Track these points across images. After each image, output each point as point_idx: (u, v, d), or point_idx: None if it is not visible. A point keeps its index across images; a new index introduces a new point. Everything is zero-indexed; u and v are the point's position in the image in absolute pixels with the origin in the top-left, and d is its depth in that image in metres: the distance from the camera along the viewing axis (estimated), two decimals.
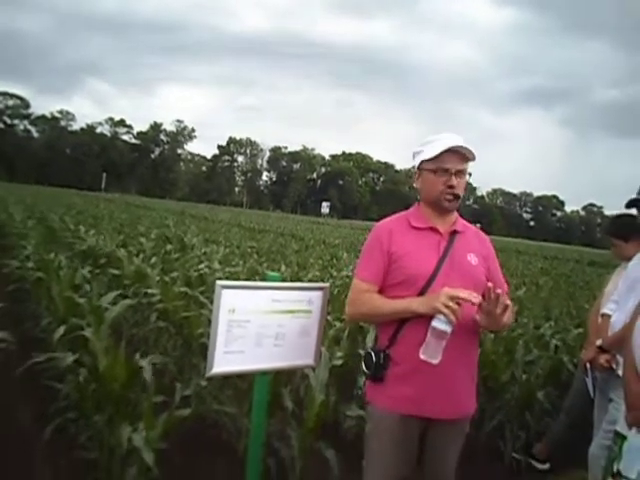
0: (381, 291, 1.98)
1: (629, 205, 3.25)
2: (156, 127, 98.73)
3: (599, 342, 2.77)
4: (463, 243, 1.98)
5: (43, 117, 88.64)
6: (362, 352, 2.54)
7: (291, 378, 3.41)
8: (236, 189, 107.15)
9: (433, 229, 1.98)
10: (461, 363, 1.91)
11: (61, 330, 3.25)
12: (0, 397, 3.24)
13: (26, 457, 2.91)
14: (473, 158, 1.94)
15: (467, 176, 1.96)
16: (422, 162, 1.96)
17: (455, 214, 2.04)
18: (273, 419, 2.96)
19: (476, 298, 1.75)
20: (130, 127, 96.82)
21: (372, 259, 1.99)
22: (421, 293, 1.87)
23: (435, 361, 1.76)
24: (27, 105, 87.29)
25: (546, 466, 3.45)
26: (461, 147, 1.89)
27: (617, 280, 2.99)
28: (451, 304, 1.72)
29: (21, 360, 3.62)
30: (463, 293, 1.74)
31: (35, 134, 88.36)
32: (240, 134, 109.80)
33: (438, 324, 1.73)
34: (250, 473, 2.05)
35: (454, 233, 1.98)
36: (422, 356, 1.77)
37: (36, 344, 4.32)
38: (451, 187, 1.90)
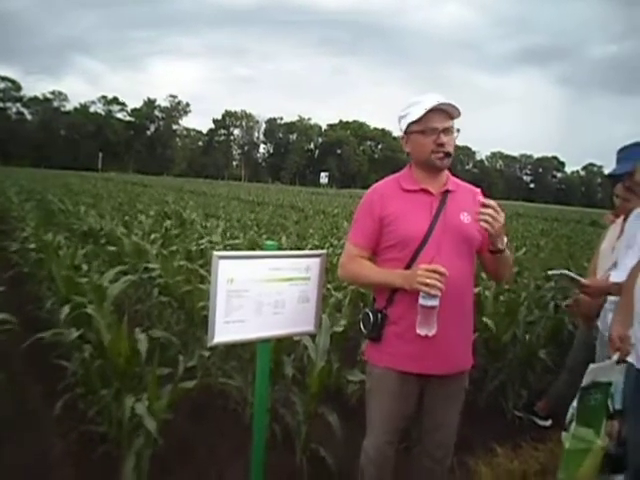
0: (376, 253, 2.02)
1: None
2: (150, 103, 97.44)
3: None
4: (455, 202, 1.98)
5: (35, 98, 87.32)
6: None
7: (294, 347, 3.45)
8: (234, 163, 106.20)
9: (424, 190, 1.97)
10: (456, 323, 1.95)
11: (66, 309, 3.24)
12: (9, 377, 3.28)
13: (38, 433, 2.96)
14: (458, 115, 1.92)
15: (455, 133, 1.94)
16: (409, 125, 1.94)
17: (446, 173, 2.03)
18: (277, 386, 3.00)
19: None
20: (124, 104, 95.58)
21: (363, 224, 2.02)
22: (414, 255, 1.89)
23: (431, 333, 1.83)
24: (18, 87, 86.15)
25: (548, 422, 3.51)
26: (446, 104, 1.87)
27: (612, 238, 2.94)
28: (428, 280, 1.74)
29: (26, 341, 3.65)
30: (439, 267, 1.76)
31: (28, 116, 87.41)
32: (235, 106, 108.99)
33: (423, 301, 1.78)
34: (256, 439, 2.09)
35: (446, 193, 1.98)
36: (419, 331, 1.84)
37: (40, 324, 4.36)
38: (441, 145, 1.89)
